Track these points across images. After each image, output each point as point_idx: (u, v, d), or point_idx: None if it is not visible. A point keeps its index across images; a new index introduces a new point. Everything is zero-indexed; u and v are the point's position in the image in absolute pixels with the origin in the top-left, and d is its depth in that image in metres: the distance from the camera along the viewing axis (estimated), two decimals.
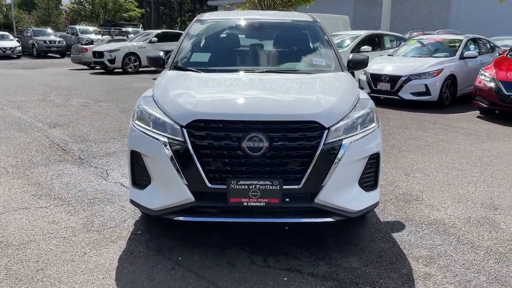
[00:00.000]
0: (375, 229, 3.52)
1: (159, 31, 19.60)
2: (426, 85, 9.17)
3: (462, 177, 4.83)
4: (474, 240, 3.34)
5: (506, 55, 9.08)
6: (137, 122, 3.17)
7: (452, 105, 9.53)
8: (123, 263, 2.98)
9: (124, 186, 4.45)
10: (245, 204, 2.86)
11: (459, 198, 4.20)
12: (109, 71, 16.98)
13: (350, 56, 4.20)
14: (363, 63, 4.21)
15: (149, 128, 3.05)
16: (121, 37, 22.84)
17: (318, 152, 2.83)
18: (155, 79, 14.58)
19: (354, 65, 4.15)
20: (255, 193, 2.84)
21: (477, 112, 8.73)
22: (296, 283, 2.76)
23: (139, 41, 18.24)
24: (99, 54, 16.67)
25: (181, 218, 2.97)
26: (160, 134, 2.96)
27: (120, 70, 16.79)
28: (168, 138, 2.91)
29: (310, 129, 2.88)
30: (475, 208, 3.97)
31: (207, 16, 4.63)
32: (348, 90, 3.38)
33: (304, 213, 2.99)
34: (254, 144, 2.81)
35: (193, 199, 2.89)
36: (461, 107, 9.36)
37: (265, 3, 18.97)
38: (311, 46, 4.30)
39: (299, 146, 2.84)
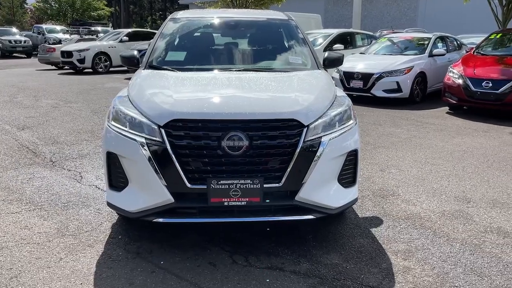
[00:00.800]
0: (354, 225, 3.55)
1: (130, 30, 19.29)
2: (397, 82, 9.35)
3: (435, 172, 4.94)
4: (450, 233, 3.42)
5: (473, 52, 9.35)
6: (112, 122, 3.10)
7: (423, 102, 9.74)
8: (101, 267, 2.91)
9: (99, 188, 4.35)
10: (226, 203, 2.84)
11: (433, 192, 4.30)
12: (78, 71, 16.59)
13: (326, 54, 4.22)
14: (338, 61, 4.25)
15: (126, 129, 2.99)
16: (90, 37, 22.34)
17: (298, 150, 2.84)
18: (127, 79, 14.20)
19: (330, 63, 4.17)
20: (235, 193, 2.82)
21: (447, 108, 8.96)
22: (279, 281, 2.75)
23: (109, 40, 17.88)
24: (68, 54, 16.24)
25: (160, 220, 2.92)
26: (137, 135, 2.91)
27: (90, 70, 16.42)
28: (146, 138, 2.86)
29: (290, 127, 2.88)
30: (448, 202, 4.06)
31: (181, 14, 4.58)
32: (325, 88, 3.40)
33: (285, 211, 2.98)
34: (234, 143, 2.79)
35: (172, 200, 2.85)
36: (431, 103, 9.58)
37: (238, 2, 18.93)
38: (287, 44, 4.30)
39: (279, 145, 2.84)
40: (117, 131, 3.02)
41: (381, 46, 11.07)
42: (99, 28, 27.58)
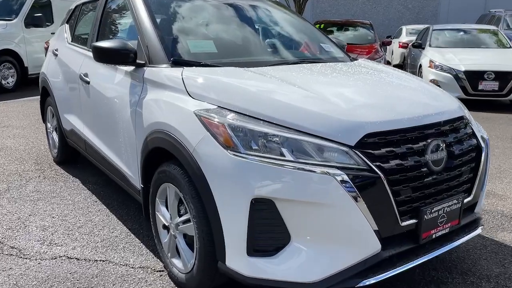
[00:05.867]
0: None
1: None
2: None
3: None
4: None
5: None
6: (248, 152, 1.94)
7: None
8: None
9: (135, 267, 2.75)
10: (433, 236, 2.16)
11: None
12: None
13: (334, 41, 3.73)
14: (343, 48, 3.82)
15: (286, 158, 1.91)
16: None
17: (483, 152, 2.38)
18: None
19: None
20: (442, 219, 2.17)
21: None
22: None
23: None
24: None
25: (368, 282, 1.98)
26: (317, 164, 1.89)
27: None
28: (338, 167, 1.89)
29: (464, 126, 2.39)
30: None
31: None
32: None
33: (464, 229, 2.44)
34: (437, 155, 2.12)
35: (380, 248, 1.98)
36: None
37: None
38: (304, 30, 3.58)
39: (469, 148, 2.31)
40: (269, 163, 1.90)
41: (445, 39, 9.90)
42: None
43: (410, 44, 11.29)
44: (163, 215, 2.52)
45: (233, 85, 2.28)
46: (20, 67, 9.75)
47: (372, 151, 1.95)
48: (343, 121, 1.98)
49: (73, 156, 4.52)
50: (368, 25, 10.51)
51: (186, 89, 2.32)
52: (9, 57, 9.52)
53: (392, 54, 16.00)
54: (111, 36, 3.37)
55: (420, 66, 9.28)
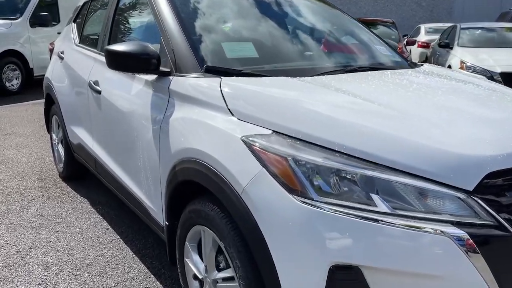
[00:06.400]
0: None
1: None
2: None
3: None
4: None
5: None
6: (324, 199, 1.40)
7: None
8: None
9: None
10: None
11: None
12: None
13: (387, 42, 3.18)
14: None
15: (381, 210, 1.37)
16: None
17: None
18: None
19: None
20: None
21: None
22: None
23: None
24: None
25: None
26: (421, 218, 1.35)
27: None
28: (455, 221, 1.35)
29: None
30: None
31: None
32: None
33: None
34: None
35: None
36: None
37: None
38: (356, 30, 3.02)
39: None
40: (354, 216, 1.36)
41: (474, 38, 9.25)
42: None
43: (433, 43, 10.71)
44: (195, 264, 1.99)
45: (291, 102, 1.73)
46: (25, 69, 9.32)
47: (497, 198, 1.40)
48: (454, 155, 1.43)
49: (81, 171, 4.00)
50: (390, 24, 9.94)
51: (227, 106, 1.79)
52: (14, 58, 9.08)
53: (410, 54, 15.36)
54: (126, 38, 2.85)
55: (449, 67, 8.68)
